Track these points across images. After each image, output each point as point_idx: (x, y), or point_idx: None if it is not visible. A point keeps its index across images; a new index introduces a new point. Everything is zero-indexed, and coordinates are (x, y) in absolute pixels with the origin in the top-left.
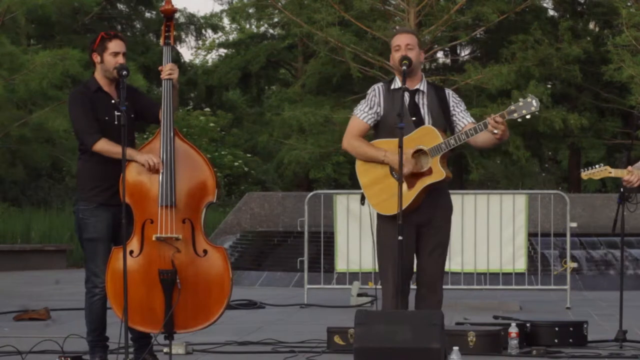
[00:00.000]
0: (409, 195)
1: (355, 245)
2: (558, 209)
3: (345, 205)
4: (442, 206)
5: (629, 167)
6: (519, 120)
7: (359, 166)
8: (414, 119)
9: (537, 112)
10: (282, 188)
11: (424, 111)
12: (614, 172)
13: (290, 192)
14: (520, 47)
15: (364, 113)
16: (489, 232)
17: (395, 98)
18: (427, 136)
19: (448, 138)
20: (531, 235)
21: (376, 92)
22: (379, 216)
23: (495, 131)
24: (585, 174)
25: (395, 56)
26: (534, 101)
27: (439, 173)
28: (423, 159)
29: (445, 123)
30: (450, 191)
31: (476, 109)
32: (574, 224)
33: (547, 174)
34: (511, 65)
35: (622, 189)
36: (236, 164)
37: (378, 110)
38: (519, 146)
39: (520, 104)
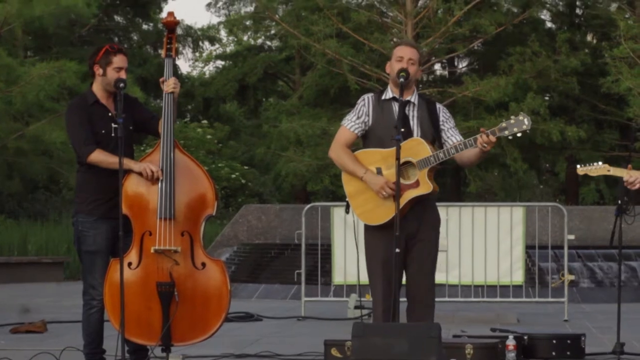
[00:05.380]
0: (394, 206)
1: (353, 258)
2: (555, 221)
3: (342, 217)
4: (429, 219)
5: (630, 167)
6: (510, 137)
7: (345, 174)
8: (402, 130)
9: (527, 131)
10: (279, 200)
11: (414, 123)
12: (612, 171)
13: (287, 204)
14: (517, 59)
15: (352, 122)
16: (486, 245)
17: (385, 109)
18: (416, 148)
19: (437, 151)
20: (529, 247)
21: (365, 102)
22: (367, 228)
23: (485, 146)
24: (581, 169)
25: (395, 66)
26: (525, 119)
27: (426, 186)
28: (410, 171)
29: (434, 136)
30: (448, 203)
31: (473, 121)
32: (572, 237)
33: (545, 186)
34: (509, 77)
35: (619, 201)
36: (233, 176)
37: (366, 120)
38: (516, 158)
39: (512, 121)
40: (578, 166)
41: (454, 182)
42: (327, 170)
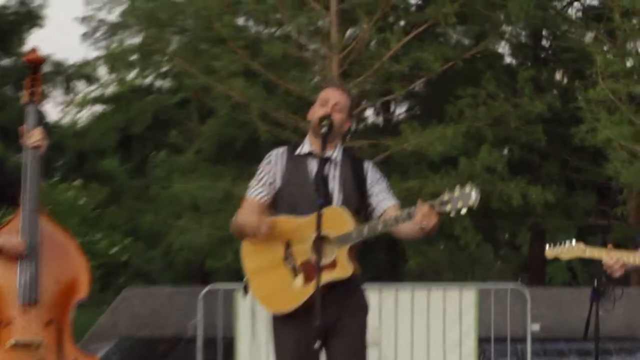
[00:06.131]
0: (305, 291)
1: (262, 354)
2: (516, 307)
3: (249, 303)
4: (353, 304)
5: (610, 245)
6: (452, 215)
7: (245, 247)
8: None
9: (474, 208)
10: (171, 281)
11: (334, 185)
12: (589, 252)
13: (180, 286)
14: (469, 103)
15: (255, 190)
16: (429, 336)
17: (299, 166)
18: (336, 220)
19: (361, 226)
20: (482, 340)
21: (272, 159)
22: (275, 317)
23: (423, 224)
24: (550, 251)
25: (317, 112)
26: (473, 192)
27: (345, 268)
28: (328, 247)
29: (358, 203)
30: (381, 284)
31: (414, 181)
32: (537, 326)
33: (503, 263)
34: (458, 125)
35: (596, 282)
36: (113, 250)
37: (272, 181)
38: (467, 227)
39: (456, 194)
40: (547, 247)
41: (390, 257)
42: (230, 243)
